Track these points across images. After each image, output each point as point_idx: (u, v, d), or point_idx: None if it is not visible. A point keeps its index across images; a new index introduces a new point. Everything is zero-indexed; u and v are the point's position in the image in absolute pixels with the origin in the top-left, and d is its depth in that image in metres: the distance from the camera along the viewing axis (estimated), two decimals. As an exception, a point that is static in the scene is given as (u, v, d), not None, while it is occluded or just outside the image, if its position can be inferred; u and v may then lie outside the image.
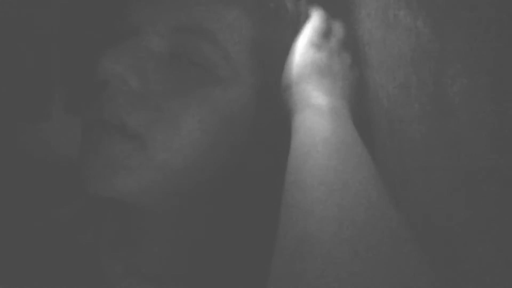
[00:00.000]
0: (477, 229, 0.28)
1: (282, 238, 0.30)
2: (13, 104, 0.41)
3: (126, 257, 0.45)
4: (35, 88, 0.41)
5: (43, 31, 0.39)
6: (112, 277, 0.44)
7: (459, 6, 0.28)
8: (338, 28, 0.47)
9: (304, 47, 0.43)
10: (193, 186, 0.41)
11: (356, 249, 0.26)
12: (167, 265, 0.45)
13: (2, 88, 0.40)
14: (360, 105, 0.45)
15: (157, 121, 0.38)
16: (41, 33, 0.39)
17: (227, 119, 0.40)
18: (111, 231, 0.47)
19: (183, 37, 0.39)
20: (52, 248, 0.45)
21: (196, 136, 0.39)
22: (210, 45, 0.39)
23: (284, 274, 0.27)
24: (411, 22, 0.34)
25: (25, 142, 0.44)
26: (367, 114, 0.46)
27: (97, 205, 0.48)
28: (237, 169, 0.43)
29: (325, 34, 0.45)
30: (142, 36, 0.39)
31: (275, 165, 0.38)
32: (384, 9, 0.39)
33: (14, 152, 0.44)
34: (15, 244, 0.44)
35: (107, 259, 0.45)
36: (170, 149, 0.38)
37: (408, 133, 0.37)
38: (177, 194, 0.41)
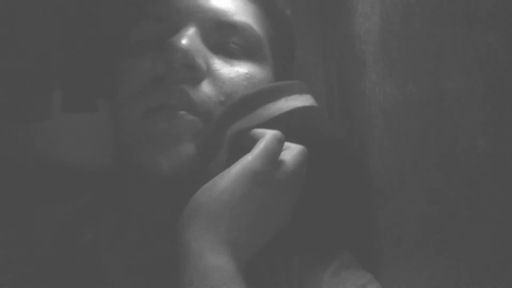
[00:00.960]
0: (474, 227, 0.28)
1: None
2: (12, 103, 0.41)
3: (126, 256, 0.45)
4: (34, 86, 0.41)
5: (43, 29, 0.39)
6: (112, 276, 0.44)
7: (456, 3, 0.28)
8: (292, 155, 0.40)
9: (240, 174, 0.37)
10: None
11: None
12: (168, 264, 0.45)
13: (0, 86, 0.40)
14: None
15: (215, 95, 0.43)
16: (40, 31, 0.39)
17: None
18: (111, 230, 0.47)
19: (225, 30, 0.45)
20: (51, 247, 0.45)
21: None
22: (248, 34, 0.46)
23: None
24: (408, 20, 0.34)
25: (23, 141, 0.44)
26: (364, 112, 0.46)
27: (97, 204, 0.48)
28: None
29: (274, 161, 0.39)
30: (195, 30, 0.44)
31: None
32: (381, 7, 0.39)
33: (13, 151, 0.44)
34: (15, 244, 0.44)
35: (107, 259, 0.45)
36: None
37: (405, 131, 0.37)
38: None
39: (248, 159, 0.38)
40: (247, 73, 0.45)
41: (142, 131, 0.42)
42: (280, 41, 0.51)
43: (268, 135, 0.40)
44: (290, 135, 0.41)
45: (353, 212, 0.48)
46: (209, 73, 0.44)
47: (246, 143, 0.41)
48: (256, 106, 0.43)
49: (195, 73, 0.42)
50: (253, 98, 0.43)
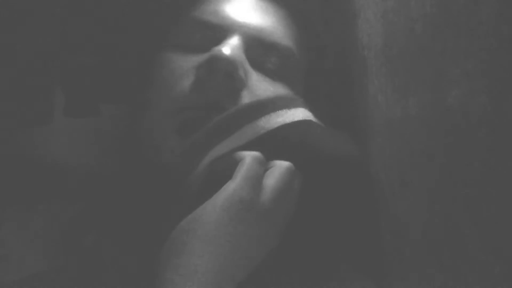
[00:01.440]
0: (476, 232, 0.28)
1: None
2: (14, 107, 0.41)
3: (127, 259, 0.45)
4: (36, 90, 0.41)
5: (45, 32, 0.39)
6: (113, 279, 0.44)
7: (459, 10, 0.28)
8: (276, 175, 0.39)
9: (226, 207, 0.36)
10: None
11: None
12: None
13: (2, 90, 0.40)
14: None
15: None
16: (42, 34, 0.39)
17: None
18: (112, 233, 0.47)
19: (267, 50, 0.47)
20: (53, 251, 0.45)
21: None
22: (289, 58, 0.48)
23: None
24: (411, 26, 0.34)
25: (25, 145, 0.44)
26: (366, 118, 0.46)
27: (98, 208, 0.48)
28: None
29: (258, 186, 0.38)
30: (240, 43, 0.45)
31: None
32: (383, 14, 0.39)
33: (15, 154, 0.44)
34: (16, 246, 0.44)
35: (108, 262, 0.45)
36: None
37: (407, 137, 0.37)
38: None
39: (232, 188, 0.36)
40: (283, 94, 0.46)
41: (172, 126, 0.43)
42: (314, 70, 0.52)
43: (247, 158, 0.38)
44: (279, 152, 0.40)
45: (355, 221, 0.48)
46: (247, 86, 0.45)
47: (222, 167, 0.39)
48: (239, 125, 0.42)
49: (235, 83, 0.44)
50: (236, 115, 0.42)
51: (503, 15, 0.24)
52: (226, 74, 0.43)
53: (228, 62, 0.43)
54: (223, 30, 0.46)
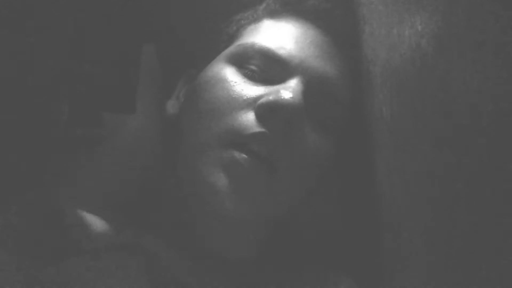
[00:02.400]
0: (482, 244, 0.28)
1: None
2: (20, 116, 0.41)
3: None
4: (43, 103, 0.41)
5: (53, 44, 0.39)
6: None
7: (464, 27, 0.28)
8: None
9: None
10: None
11: None
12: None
13: (9, 103, 0.41)
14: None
15: (296, 158, 0.44)
16: (50, 47, 0.39)
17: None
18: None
19: (326, 101, 0.46)
20: (54, 259, 0.44)
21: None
22: (343, 111, 0.47)
23: None
24: (416, 41, 0.34)
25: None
26: (371, 131, 0.46)
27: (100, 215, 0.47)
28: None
29: None
30: (303, 88, 0.45)
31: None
32: (388, 28, 0.40)
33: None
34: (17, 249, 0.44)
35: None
36: (298, 180, 0.45)
37: (413, 151, 0.37)
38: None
39: None
40: (327, 147, 0.46)
41: (215, 161, 0.42)
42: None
43: None
44: None
45: (359, 232, 0.48)
46: (300, 136, 0.44)
47: None
48: None
49: (292, 132, 0.43)
50: None
51: (507, 33, 0.24)
52: (287, 122, 0.42)
53: (293, 112, 0.42)
54: (288, 68, 0.45)
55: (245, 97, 0.44)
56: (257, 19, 0.51)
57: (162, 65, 0.49)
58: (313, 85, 0.46)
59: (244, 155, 0.42)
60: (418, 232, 0.37)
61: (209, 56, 0.50)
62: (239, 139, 0.42)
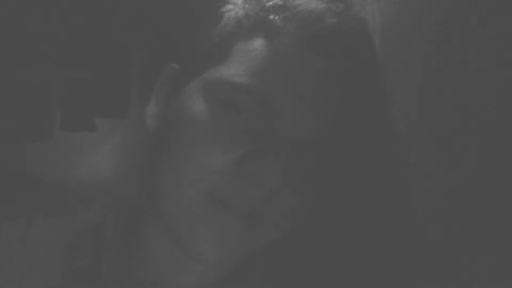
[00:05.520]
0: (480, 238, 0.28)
1: None
2: (13, 122, 0.41)
3: (128, 278, 0.45)
4: (36, 105, 0.41)
5: (46, 47, 0.39)
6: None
7: (451, 52, 0.28)
8: None
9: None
10: None
11: None
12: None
13: (2, 105, 0.41)
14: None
15: (274, 213, 0.42)
16: (43, 50, 0.39)
17: None
18: (113, 250, 0.46)
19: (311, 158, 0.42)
20: (50, 269, 0.44)
21: None
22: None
23: None
24: (406, 44, 0.35)
25: (25, 161, 0.45)
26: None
27: (98, 224, 0.47)
28: None
29: None
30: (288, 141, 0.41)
31: None
32: (382, 29, 0.40)
33: (14, 171, 0.44)
34: (13, 263, 0.44)
35: (109, 280, 0.45)
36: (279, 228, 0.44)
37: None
38: None
39: None
40: (309, 201, 0.44)
41: (197, 213, 0.42)
42: None
43: None
44: None
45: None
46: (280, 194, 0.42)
47: None
48: None
49: (275, 198, 0.41)
50: None
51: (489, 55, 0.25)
52: (270, 189, 0.40)
53: (278, 181, 0.40)
54: (277, 120, 0.41)
55: (228, 147, 0.41)
56: (249, 37, 0.43)
57: (154, 69, 0.49)
58: (300, 142, 0.41)
59: (224, 212, 0.41)
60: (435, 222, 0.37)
61: (197, 60, 0.46)
62: (218, 194, 0.41)
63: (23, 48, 0.39)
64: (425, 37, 0.32)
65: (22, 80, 0.40)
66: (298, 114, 0.41)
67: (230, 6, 0.45)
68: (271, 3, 0.43)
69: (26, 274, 0.43)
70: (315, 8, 0.41)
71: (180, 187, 0.42)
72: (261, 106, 0.41)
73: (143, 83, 0.47)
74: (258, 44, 0.42)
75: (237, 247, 0.43)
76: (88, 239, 0.46)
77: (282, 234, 0.45)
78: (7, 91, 0.40)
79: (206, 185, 0.41)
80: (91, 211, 0.46)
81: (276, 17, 0.42)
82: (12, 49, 0.39)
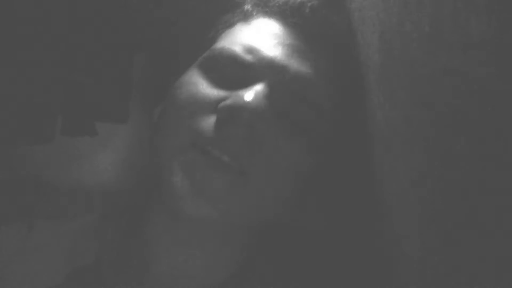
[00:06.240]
0: (475, 243, 0.28)
1: None
2: (14, 125, 0.41)
3: (129, 279, 0.45)
4: (37, 109, 0.41)
5: (47, 49, 0.40)
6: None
7: (451, 30, 0.28)
8: None
9: None
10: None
11: None
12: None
13: (3, 108, 0.41)
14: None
15: (265, 163, 0.42)
16: (45, 52, 0.40)
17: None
18: (114, 252, 0.47)
19: (299, 106, 0.45)
20: (53, 272, 0.45)
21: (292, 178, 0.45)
22: (320, 115, 0.45)
23: None
24: (406, 46, 0.35)
25: (25, 163, 0.45)
26: (366, 135, 0.46)
27: (99, 225, 0.48)
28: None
29: None
30: (268, 92, 0.43)
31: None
32: (380, 35, 0.40)
33: (14, 173, 0.44)
34: (15, 265, 0.44)
35: (109, 282, 0.45)
36: (271, 185, 0.43)
37: (406, 154, 0.37)
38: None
39: None
40: (302, 151, 0.44)
41: (179, 163, 0.42)
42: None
43: None
44: None
45: (353, 236, 0.48)
46: (266, 141, 0.43)
47: None
48: None
49: (254, 136, 0.42)
50: None
51: (493, 34, 0.24)
52: (246, 125, 0.41)
53: (252, 116, 0.41)
54: (255, 71, 0.44)
55: (207, 101, 0.43)
56: (232, 24, 0.50)
57: (154, 74, 0.49)
58: (283, 87, 0.44)
59: (203, 158, 0.41)
60: (412, 234, 0.37)
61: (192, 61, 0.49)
62: (199, 142, 0.42)
63: (24, 52, 0.39)
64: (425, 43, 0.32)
65: (23, 83, 0.40)
66: (276, 64, 0.45)
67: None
68: None
69: (27, 275, 0.44)
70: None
71: (163, 144, 0.44)
72: (239, 65, 0.45)
73: (143, 87, 0.47)
74: (237, 28, 0.49)
75: (222, 197, 0.42)
76: (88, 240, 0.46)
77: (280, 198, 0.45)
78: (8, 94, 0.40)
79: (183, 133, 0.43)
80: (92, 213, 0.47)
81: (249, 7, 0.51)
82: (13, 53, 0.39)
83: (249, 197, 0.43)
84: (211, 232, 0.46)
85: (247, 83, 0.44)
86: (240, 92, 0.42)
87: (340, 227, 0.48)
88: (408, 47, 0.34)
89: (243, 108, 0.41)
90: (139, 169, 0.47)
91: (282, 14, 0.48)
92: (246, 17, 0.50)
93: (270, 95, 0.43)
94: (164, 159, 0.44)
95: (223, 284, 0.46)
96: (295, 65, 0.45)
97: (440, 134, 0.31)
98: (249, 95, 0.42)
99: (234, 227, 0.46)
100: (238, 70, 0.45)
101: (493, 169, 0.26)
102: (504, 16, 0.24)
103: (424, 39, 0.32)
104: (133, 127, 0.46)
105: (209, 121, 0.42)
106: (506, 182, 0.25)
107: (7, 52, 0.39)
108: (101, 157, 0.44)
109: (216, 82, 0.45)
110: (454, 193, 0.30)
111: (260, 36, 0.47)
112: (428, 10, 0.30)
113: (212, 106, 0.43)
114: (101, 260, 0.46)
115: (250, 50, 0.45)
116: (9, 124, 0.41)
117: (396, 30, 0.36)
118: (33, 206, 0.44)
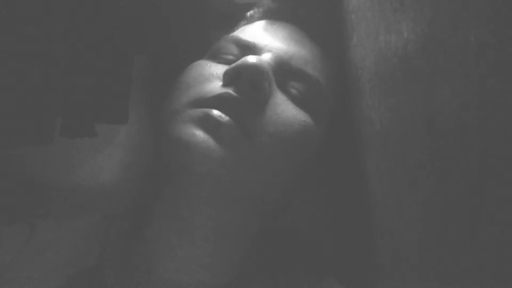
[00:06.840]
0: (473, 251, 0.28)
1: None
2: (14, 127, 0.41)
3: (132, 282, 0.45)
4: (36, 111, 0.41)
5: (47, 51, 0.39)
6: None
7: (448, 33, 0.28)
8: None
9: None
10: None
11: None
12: None
13: (3, 109, 0.41)
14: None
15: (268, 126, 0.43)
16: (44, 53, 0.39)
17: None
18: (117, 254, 0.47)
19: (296, 78, 0.48)
20: (54, 274, 0.44)
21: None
22: (318, 91, 0.48)
23: None
24: (402, 47, 0.35)
25: (25, 165, 0.44)
26: (361, 137, 0.47)
27: (101, 227, 0.47)
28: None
29: None
30: (270, 60, 0.46)
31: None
32: (375, 35, 0.40)
33: (15, 175, 0.44)
34: (15, 265, 0.44)
35: (111, 284, 0.45)
36: (275, 153, 0.44)
37: (401, 155, 0.37)
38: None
39: None
40: (304, 120, 0.46)
41: (190, 116, 0.43)
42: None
43: None
44: None
45: (350, 236, 0.48)
46: (269, 102, 0.45)
47: None
48: None
49: (259, 95, 0.44)
50: None
51: (491, 36, 0.25)
52: (251, 83, 0.43)
53: (255, 71, 0.43)
54: (257, 48, 0.48)
55: (214, 73, 0.46)
56: (236, 28, 0.56)
57: (154, 75, 0.50)
58: (282, 61, 0.47)
59: (213, 111, 0.42)
60: (409, 234, 0.37)
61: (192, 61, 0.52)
62: (205, 101, 0.43)
63: (24, 52, 0.39)
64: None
65: (23, 85, 0.40)
66: (276, 43, 0.49)
67: None
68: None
69: (28, 277, 0.43)
70: None
71: (169, 110, 0.45)
72: (242, 45, 0.49)
73: (143, 88, 0.47)
74: (240, 28, 0.54)
75: (236, 156, 0.42)
76: (90, 242, 0.46)
77: (287, 169, 0.45)
78: (8, 96, 0.40)
79: (190, 98, 0.44)
80: (92, 214, 0.47)
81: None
82: (13, 53, 0.39)
83: (254, 161, 0.43)
84: (214, 229, 0.46)
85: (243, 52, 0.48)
86: (244, 57, 0.45)
87: (337, 227, 0.48)
88: (405, 49, 0.34)
89: (247, 66, 0.43)
90: (139, 170, 0.47)
91: (286, 19, 0.53)
92: (249, 21, 0.56)
93: (272, 64, 0.46)
94: (169, 121, 0.44)
95: (226, 286, 0.46)
96: (295, 47, 0.49)
97: (434, 135, 0.31)
98: (253, 57, 0.44)
99: (239, 212, 0.46)
100: (241, 51, 0.49)
101: (492, 169, 0.26)
102: (504, 17, 0.24)
103: (421, 41, 0.32)
104: (133, 128, 0.46)
105: (215, 86, 0.45)
106: (505, 182, 0.25)
107: (7, 52, 0.39)
108: (101, 158, 0.44)
109: (222, 62, 0.49)
110: (452, 193, 0.30)
111: (261, 27, 0.51)
112: (425, 11, 0.31)
113: (218, 76, 0.46)
114: (102, 262, 0.46)
115: (252, 35, 0.50)
116: (9, 125, 0.41)
117: (392, 32, 0.36)
118: (33, 207, 0.44)
